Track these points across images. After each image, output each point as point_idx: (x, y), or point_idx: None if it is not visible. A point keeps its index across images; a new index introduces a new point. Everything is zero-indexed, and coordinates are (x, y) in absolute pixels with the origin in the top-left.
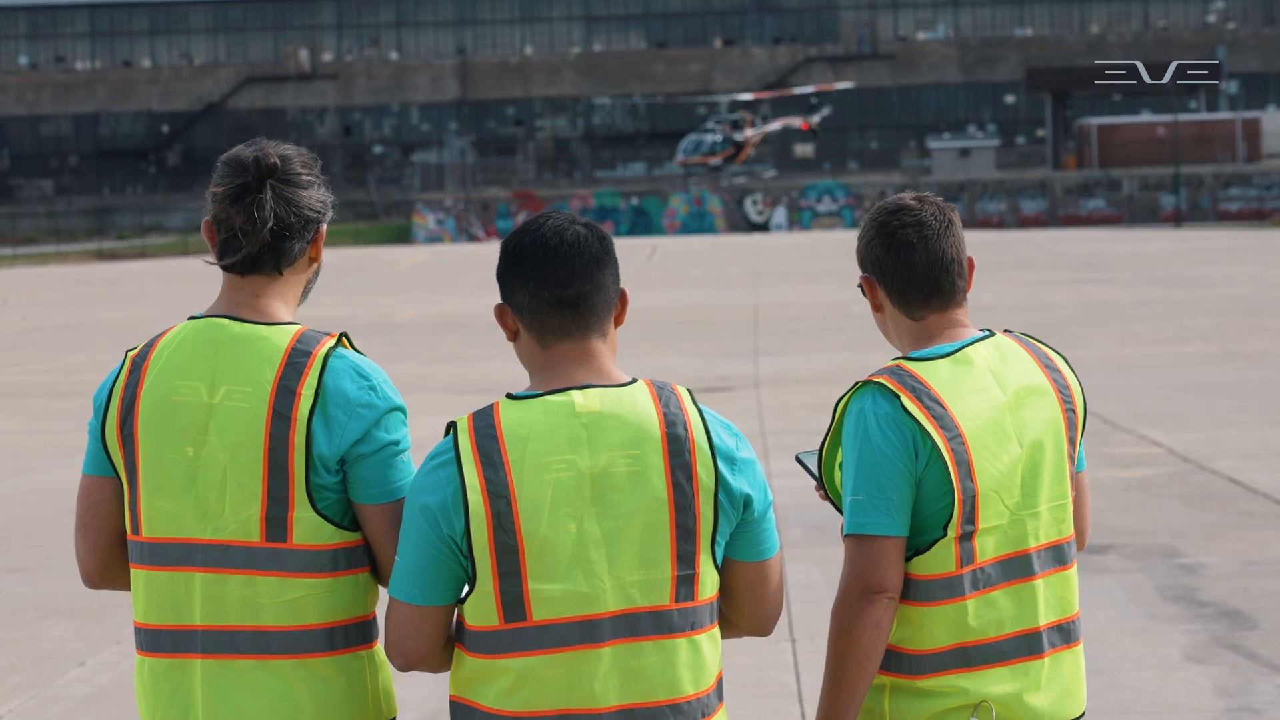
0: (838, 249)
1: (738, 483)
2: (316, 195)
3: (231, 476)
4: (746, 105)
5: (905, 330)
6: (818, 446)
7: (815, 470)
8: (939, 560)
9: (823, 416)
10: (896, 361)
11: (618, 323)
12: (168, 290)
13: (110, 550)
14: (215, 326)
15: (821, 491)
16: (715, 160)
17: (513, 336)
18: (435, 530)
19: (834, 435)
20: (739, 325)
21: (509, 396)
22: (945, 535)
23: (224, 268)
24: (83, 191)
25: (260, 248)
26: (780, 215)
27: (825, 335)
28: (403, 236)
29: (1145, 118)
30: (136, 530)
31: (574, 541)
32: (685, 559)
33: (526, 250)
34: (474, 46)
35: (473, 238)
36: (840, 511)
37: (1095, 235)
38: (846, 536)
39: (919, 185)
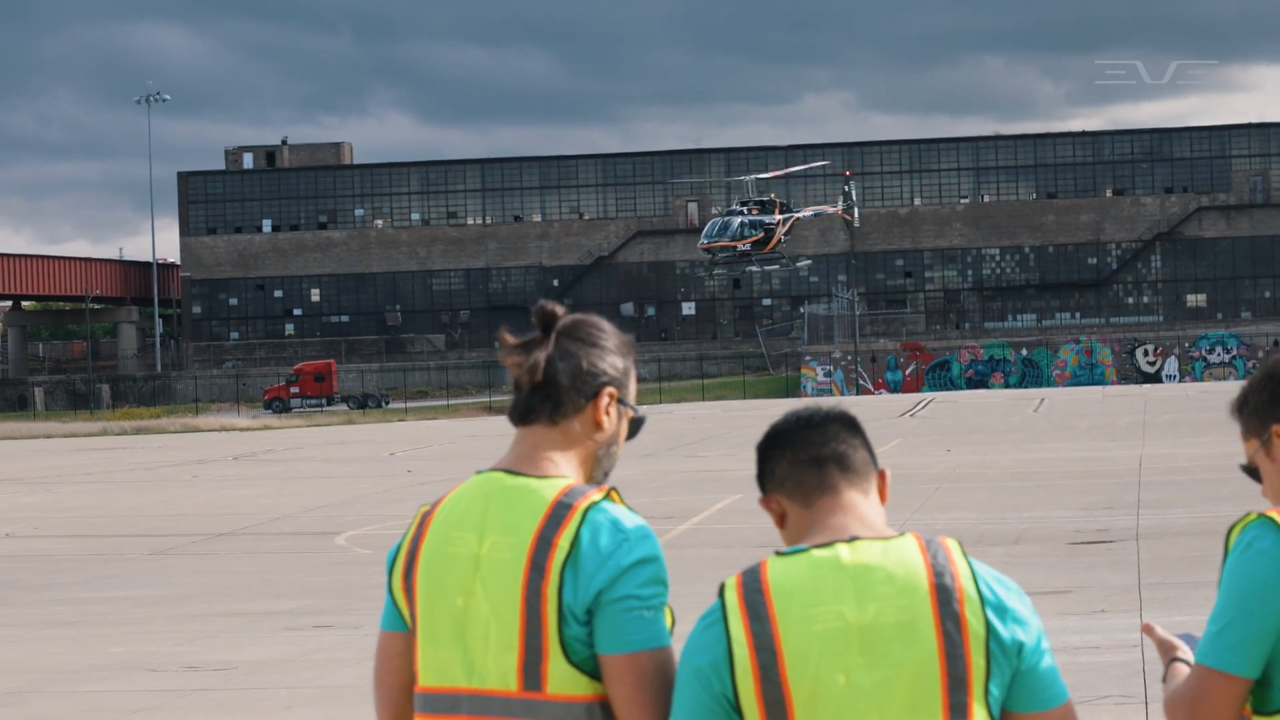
0: (1228, 400)
1: (1009, 631)
2: (603, 359)
3: (494, 626)
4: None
5: None
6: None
7: None
8: None
9: (1201, 569)
10: None
11: (881, 498)
12: None
13: (402, 704)
14: (492, 480)
15: None
16: (744, 245)
17: (780, 521)
18: (708, 690)
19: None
20: (1122, 477)
21: (776, 554)
22: None
23: (510, 418)
24: (473, 345)
25: (532, 392)
26: (1171, 365)
27: (1209, 488)
28: (791, 389)
29: None
30: (417, 680)
31: (842, 693)
32: (958, 709)
33: (781, 429)
34: (863, 198)
35: (861, 390)
36: None
37: None
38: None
39: None
